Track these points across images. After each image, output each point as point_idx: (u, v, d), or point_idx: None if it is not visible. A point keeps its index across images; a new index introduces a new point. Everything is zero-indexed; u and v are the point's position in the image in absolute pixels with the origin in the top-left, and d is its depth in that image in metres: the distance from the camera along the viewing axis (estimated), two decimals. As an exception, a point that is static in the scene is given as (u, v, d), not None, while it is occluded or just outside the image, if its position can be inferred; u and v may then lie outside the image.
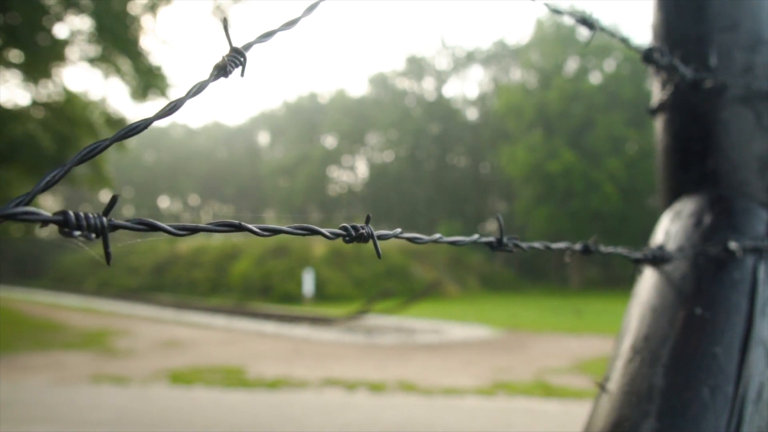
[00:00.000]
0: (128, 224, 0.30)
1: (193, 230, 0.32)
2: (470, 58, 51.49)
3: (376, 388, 7.52)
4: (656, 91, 0.99)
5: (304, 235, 0.36)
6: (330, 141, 55.67)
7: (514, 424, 5.97)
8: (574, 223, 36.11)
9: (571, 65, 39.81)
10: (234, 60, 0.36)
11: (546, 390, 7.38)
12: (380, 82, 53.89)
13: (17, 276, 47.65)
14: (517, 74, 47.62)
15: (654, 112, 0.97)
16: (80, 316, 18.62)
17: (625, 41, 0.73)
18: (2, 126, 13.16)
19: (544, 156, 36.27)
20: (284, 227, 0.36)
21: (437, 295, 27.17)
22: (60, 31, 14.13)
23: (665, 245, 0.84)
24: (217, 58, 0.35)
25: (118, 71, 14.59)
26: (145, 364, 9.45)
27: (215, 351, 11.06)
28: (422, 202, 50.28)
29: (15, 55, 13.67)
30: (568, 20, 0.66)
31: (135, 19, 13.77)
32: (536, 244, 0.57)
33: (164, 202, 66.03)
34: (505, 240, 0.53)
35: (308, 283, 24.13)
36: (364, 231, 0.41)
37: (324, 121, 55.08)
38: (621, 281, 37.12)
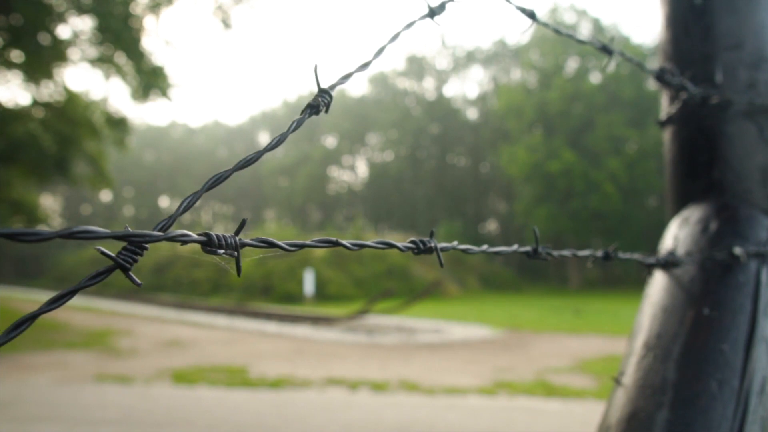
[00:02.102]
0: (254, 242, 0.36)
1: (301, 246, 0.37)
2: (470, 58, 51.56)
3: (378, 387, 7.57)
4: (664, 104, 1.05)
5: (383, 248, 0.42)
6: (330, 141, 55.74)
7: (516, 423, 6.02)
8: (574, 223, 36.20)
9: (571, 65, 39.88)
10: (323, 99, 0.42)
11: (547, 389, 7.42)
12: (380, 82, 53.93)
13: (18, 276, 47.68)
14: (517, 74, 47.70)
15: (663, 124, 1.04)
16: (82, 315, 18.66)
17: (639, 65, 0.79)
18: (3, 126, 13.20)
19: (545, 156, 36.33)
20: (368, 242, 0.41)
21: (438, 295, 27.23)
22: (62, 31, 14.18)
23: (675, 250, 0.90)
24: (309, 98, 0.40)
25: (120, 71, 14.63)
26: (148, 363, 9.49)
27: (217, 350, 11.10)
28: (422, 201, 50.33)
29: (16, 55, 13.71)
30: (589, 45, 0.71)
31: (137, 20, 13.81)
32: (565, 252, 0.63)
33: (164, 202, 66.07)
34: (539, 249, 0.59)
35: (309, 283, 24.18)
36: (431, 244, 0.46)
37: (324, 121, 55.12)
38: (620, 281, 37.19)
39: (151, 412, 6.44)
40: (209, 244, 0.32)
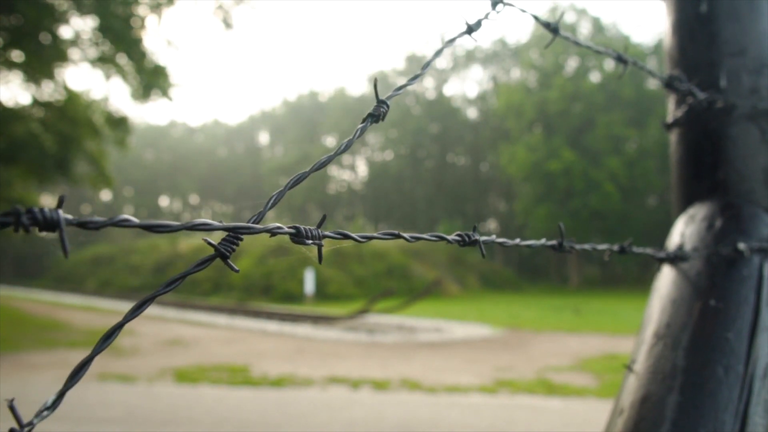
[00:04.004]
0: (332, 234, 0.40)
1: (369, 238, 0.42)
2: (470, 57, 51.61)
3: (379, 385, 7.61)
4: (671, 108, 1.10)
5: (435, 241, 0.46)
6: (330, 140, 55.78)
7: (517, 421, 6.06)
8: (574, 222, 36.26)
9: (571, 64, 39.93)
10: (382, 108, 0.46)
11: (548, 387, 7.47)
12: (380, 81, 53.40)
13: (18, 275, 47.69)
14: (516, 73, 47.76)
15: (669, 127, 1.09)
16: (83, 314, 18.70)
17: (650, 72, 0.83)
18: (4, 126, 13.21)
19: (544, 155, 36.40)
20: (424, 235, 0.46)
21: (438, 294, 27.27)
22: (63, 31, 14.19)
23: (682, 246, 0.96)
24: (369, 107, 0.45)
25: (120, 71, 14.65)
26: (150, 362, 9.53)
27: (219, 349, 11.15)
28: (422, 201, 50.40)
29: (17, 55, 13.72)
30: (607, 56, 0.76)
31: (139, 20, 13.83)
32: (586, 246, 0.68)
33: (164, 201, 66.10)
34: (564, 243, 0.65)
35: (309, 282, 24.22)
36: (475, 237, 0.51)
37: (324, 120, 55.18)
38: (620, 281, 37.26)
39: (154, 410, 6.48)
40: (298, 235, 0.37)
